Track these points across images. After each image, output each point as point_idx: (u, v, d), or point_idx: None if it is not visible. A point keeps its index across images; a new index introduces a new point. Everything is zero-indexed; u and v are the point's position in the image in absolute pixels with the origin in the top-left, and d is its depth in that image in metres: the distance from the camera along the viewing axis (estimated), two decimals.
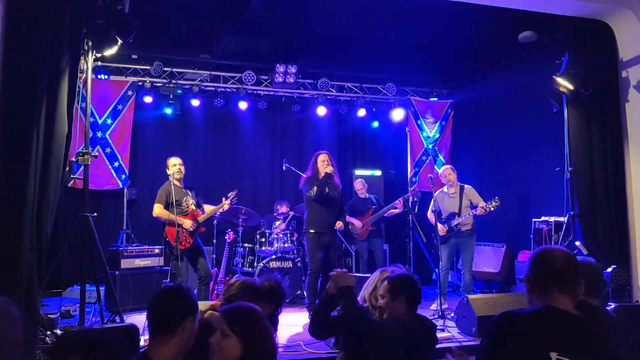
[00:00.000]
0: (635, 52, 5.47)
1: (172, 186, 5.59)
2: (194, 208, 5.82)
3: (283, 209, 7.70)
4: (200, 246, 5.84)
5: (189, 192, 5.86)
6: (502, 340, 1.82)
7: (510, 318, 1.85)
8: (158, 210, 5.63)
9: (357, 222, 7.22)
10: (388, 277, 2.96)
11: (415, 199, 8.00)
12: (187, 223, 5.62)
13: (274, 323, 3.01)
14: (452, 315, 5.37)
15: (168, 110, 7.90)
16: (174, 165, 5.75)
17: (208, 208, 6.01)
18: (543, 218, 6.39)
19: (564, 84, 5.54)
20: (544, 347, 1.73)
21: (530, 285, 1.93)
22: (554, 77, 5.61)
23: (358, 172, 8.60)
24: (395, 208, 7.12)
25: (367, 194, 7.50)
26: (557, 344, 1.73)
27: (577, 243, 5.47)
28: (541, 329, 1.78)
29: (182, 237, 5.54)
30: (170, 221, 5.52)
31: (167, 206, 5.64)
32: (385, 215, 7.23)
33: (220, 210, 6.04)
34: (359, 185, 7.55)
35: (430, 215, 6.62)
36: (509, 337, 1.81)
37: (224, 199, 6.04)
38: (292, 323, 5.63)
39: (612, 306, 3.86)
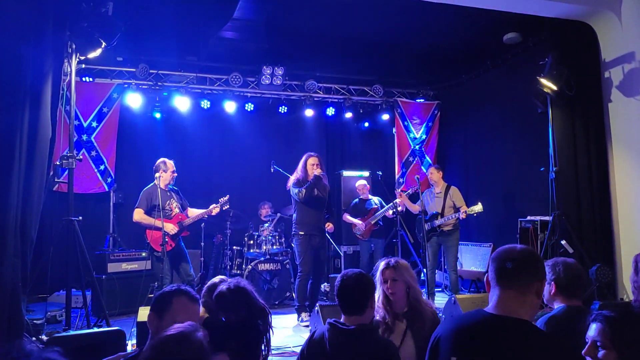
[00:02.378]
0: (617, 53, 5.55)
1: (159, 189, 5.51)
2: (178, 212, 5.74)
3: (265, 210, 7.67)
4: (183, 250, 5.73)
5: (174, 195, 5.77)
6: (431, 343, 1.94)
7: (442, 323, 1.94)
8: (138, 216, 5.54)
9: (359, 223, 7.22)
10: None
11: None
12: (169, 227, 5.53)
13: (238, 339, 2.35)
14: (441, 315, 5.39)
15: (157, 115, 7.86)
16: (174, 172, 5.69)
17: (195, 212, 5.90)
18: (529, 217, 6.45)
19: (548, 84, 5.60)
20: (449, 351, 1.82)
21: (486, 285, 1.96)
22: (538, 78, 5.67)
23: (346, 173, 8.62)
24: (396, 207, 6.94)
25: (369, 195, 7.52)
26: (459, 350, 1.79)
27: (563, 242, 5.54)
28: (451, 333, 1.86)
29: (163, 240, 5.44)
30: (151, 226, 5.43)
31: (150, 210, 5.54)
32: (386, 215, 7.23)
33: (207, 215, 5.93)
34: (361, 187, 7.56)
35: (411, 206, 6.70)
36: (433, 340, 1.93)
37: (213, 205, 5.90)
38: (281, 325, 5.62)
39: (598, 304, 3.91)
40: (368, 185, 7.60)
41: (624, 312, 1.83)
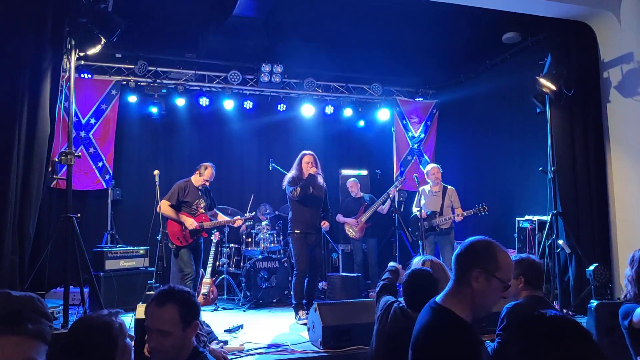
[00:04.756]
0: (616, 54, 5.56)
1: (191, 186, 5.91)
2: (203, 212, 6.02)
3: (265, 211, 7.66)
4: (198, 249, 6.03)
5: (204, 195, 6.06)
6: None
7: None
8: (163, 207, 5.77)
9: (352, 222, 7.20)
10: None
11: (401, 199, 8.04)
12: (189, 221, 5.81)
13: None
14: None
15: (154, 109, 7.82)
16: (207, 181, 6.04)
17: (220, 217, 6.28)
18: (527, 217, 6.46)
19: (547, 84, 5.61)
20: None
21: None
22: (537, 77, 5.67)
23: (344, 171, 8.62)
24: (389, 198, 6.92)
25: (361, 193, 7.50)
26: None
27: (560, 242, 5.55)
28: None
29: (181, 234, 5.80)
30: (173, 218, 5.79)
31: (178, 204, 5.86)
32: (378, 210, 7.21)
33: (229, 224, 6.33)
34: (352, 185, 7.54)
35: (415, 210, 6.69)
36: None
37: (238, 217, 6.31)
38: (279, 323, 5.63)
39: (594, 304, 3.92)
40: (358, 184, 7.59)
41: (540, 316, 1.82)
